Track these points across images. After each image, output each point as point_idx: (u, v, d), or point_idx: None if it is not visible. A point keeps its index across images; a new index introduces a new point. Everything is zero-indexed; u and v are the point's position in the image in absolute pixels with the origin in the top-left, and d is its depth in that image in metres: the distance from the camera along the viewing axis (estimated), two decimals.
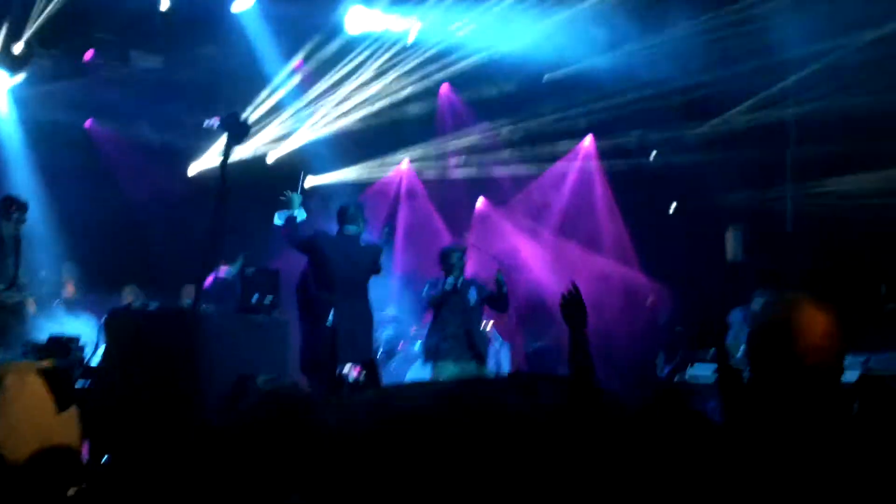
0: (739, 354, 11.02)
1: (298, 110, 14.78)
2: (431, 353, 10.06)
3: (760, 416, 3.05)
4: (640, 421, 3.04)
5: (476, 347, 9.92)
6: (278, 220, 9.00)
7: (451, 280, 9.93)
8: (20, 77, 12.54)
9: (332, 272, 8.86)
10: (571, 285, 4.53)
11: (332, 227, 9.34)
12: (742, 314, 11.20)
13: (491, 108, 14.84)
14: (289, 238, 8.96)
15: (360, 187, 16.28)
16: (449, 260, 10.09)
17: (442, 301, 9.98)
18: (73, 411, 2.55)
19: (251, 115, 13.87)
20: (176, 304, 11.46)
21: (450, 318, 9.96)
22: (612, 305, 14.11)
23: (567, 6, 11.52)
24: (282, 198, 8.93)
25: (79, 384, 8.19)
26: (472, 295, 10.02)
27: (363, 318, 9.09)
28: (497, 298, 10.07)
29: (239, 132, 6.83)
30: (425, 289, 10.19)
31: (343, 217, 9.20)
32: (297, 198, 8.92)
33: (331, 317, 8.62)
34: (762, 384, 3.12)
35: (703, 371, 10.33)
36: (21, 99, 13.14)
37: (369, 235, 9.56)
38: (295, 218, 8.84)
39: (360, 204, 9.61)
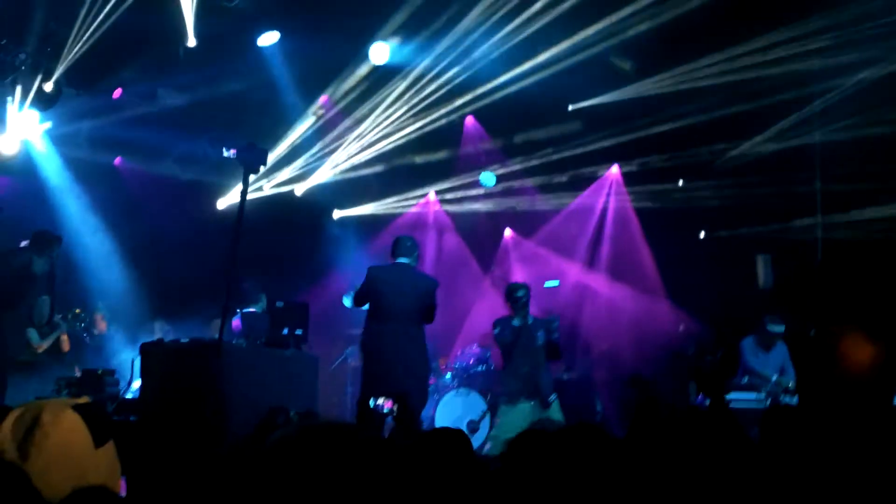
0: (745, 380, 11.12)
1: (325, 145, 14.86)
2: (507, 394, 10.00)
3: (811, 442, 3.03)
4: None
5: (541, 390, 9.88)
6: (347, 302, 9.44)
7: (521, 317, 9.85)
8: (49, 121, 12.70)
9: (386, 302, 8.94)
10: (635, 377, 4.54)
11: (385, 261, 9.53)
12: (753, 340, 11.19)
13: (515, 138, 14.88)
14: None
15: (385, 220, 16.37)
16: (515, 295, 9.95)
17: (514, 342, 9.87)
18: (109, 446, 2.57)
19: (277, 148, 14.00)
20: (207, 338, 11.51)
21: (520, 359, 9.89)
22: (642, 334, 14.10)
23: (591, 38, 11.53)
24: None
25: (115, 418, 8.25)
26: (541, 335, 9.90)
27: (418, 347, 9.11)
28: (555, 345, 9.94)
29: (256, 161, 6.89)
30: (496, 330, 9.99)
31: (396, 248, 9.28)
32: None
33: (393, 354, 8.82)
34: (813, 410, 3.13)
35: (738, 397, 10.33)
36: (51, 137, 13.30)
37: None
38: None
39: (414, 238, 9.66)
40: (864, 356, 2.87)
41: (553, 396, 9.87)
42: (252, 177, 7.64)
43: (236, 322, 11.10)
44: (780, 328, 11.08)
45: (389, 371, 8.76)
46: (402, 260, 9.15)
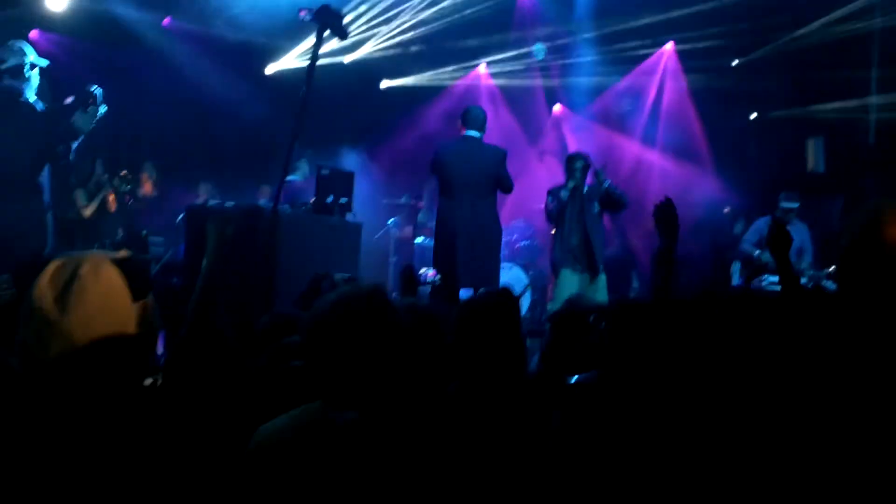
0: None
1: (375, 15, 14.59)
2: (555, 265, 9.97)
3: (850, 328, 2.92)
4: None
5: (594, 259, 9.80)
6: None
7: (570, 186, 9.75)
8: None
9: (455, 176, 8.96)
10: (664, 197, 4.46)
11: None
12: (770, 218, 11.06)
13: (569, 8, 14.54)
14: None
15: (434, 91, 16.20)
16: (572, 165, 9.84)
17: (561, 210, 9.81)
18: (149, 301, 2.54)
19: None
20: (251, 202, 11.54)
21: (571, 228, 9.84)
22: (689, 213, 13.99)
23: None
24: None
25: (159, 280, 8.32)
26: (596, 205, 9.82)
27: (490, 217, 9.12)
28: (608, 199, 9.78)
29: (332, 26, 6.74)
30: (548, 199, 9.94)
31: (465, 120, 9.22)
32: None
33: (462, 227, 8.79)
34: (854, 296, 3.00)
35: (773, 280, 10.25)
36: None
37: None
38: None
39: (482, 108, 9.58)
40: None
41: (601, 274, 9.81)
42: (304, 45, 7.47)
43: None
44: (794, 204, 10.92)
45: (461, 243, 8.84)
46: (471, 133, 9.13)
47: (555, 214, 9.85)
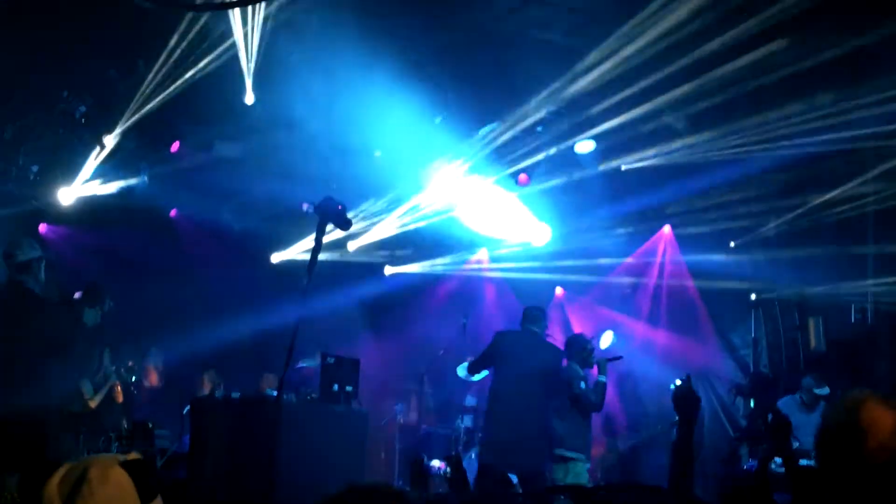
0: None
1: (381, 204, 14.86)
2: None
3: None
4: None
5: (590, 445, 9.77)
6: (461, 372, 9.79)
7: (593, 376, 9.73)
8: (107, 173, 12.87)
9: (512, 364, 9.07)
10: (685, 376, 4.50)
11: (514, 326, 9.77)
12: (792, 400, 11.04)
13: (567, 197, 14.81)
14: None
15: (437, 279, 16.38)
16: (587, 348, 9.83)
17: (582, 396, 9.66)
18: (157, 502, 2.55)
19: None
20: (257, 392, 11.54)
21: (588, 415, 9.80)
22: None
23: (645, 96, 11.44)
24: None
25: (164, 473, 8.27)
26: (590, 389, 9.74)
27: (537, 416, 9.11)
28: (597, 394, 9.65)
29: (334, 218, 6.89)
30: (580, 384, 9.63)
31: (527, 317, 9.37)
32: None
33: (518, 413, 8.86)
34: (832, 482, 3.09)
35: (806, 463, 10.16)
36: (108, 188, 13.46)
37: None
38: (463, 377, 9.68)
39: (542, 307, 9.78)
40: (885, 425, 2.81)
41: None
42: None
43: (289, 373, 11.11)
44: (824, 391, 10.96)
45: (510, 429, 8.86)
46: (532, 327, 9.28)
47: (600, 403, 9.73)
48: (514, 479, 8.61)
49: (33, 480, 2.68)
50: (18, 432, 7.22)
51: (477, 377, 9.78)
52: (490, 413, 9.39)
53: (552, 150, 12.66)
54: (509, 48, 10.55)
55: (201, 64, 10.56)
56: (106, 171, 12.87)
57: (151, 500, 2.52)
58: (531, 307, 9.77)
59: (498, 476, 8.48)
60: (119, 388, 11.60)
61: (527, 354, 9.22)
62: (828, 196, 12.41)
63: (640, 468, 13.43)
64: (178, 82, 10.81)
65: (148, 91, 11.13)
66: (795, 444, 10.79)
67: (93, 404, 11.39)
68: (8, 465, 4.16)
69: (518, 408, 9.11)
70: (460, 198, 13.82)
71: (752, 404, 13.03)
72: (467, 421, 12.94)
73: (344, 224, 7.07)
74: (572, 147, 12.56)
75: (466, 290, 16.17)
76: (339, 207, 6.97)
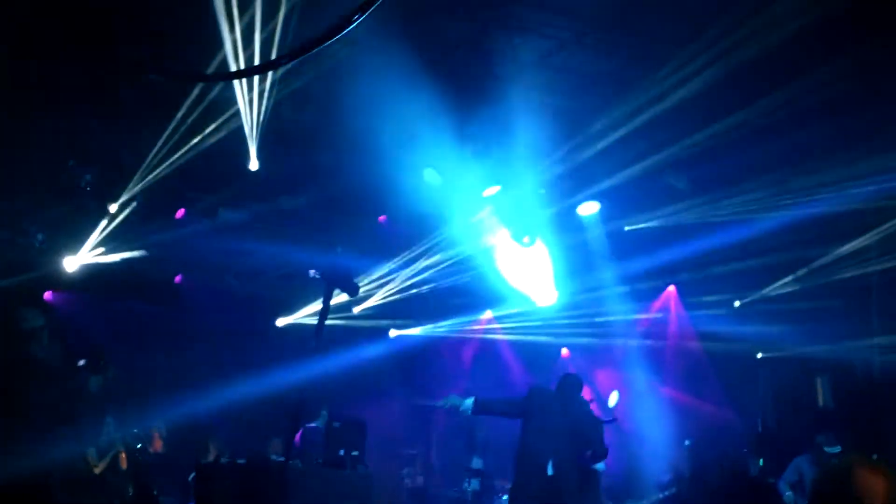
0: None
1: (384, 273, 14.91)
2: None
3: None
4: None
5: None
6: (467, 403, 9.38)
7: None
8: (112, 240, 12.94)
9: (552, 426, 9.05)
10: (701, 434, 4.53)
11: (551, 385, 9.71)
12: (807, 458, 11.04)
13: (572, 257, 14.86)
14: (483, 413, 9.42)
15: (442, 341, 16.38)
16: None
17: None
18: None
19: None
20: (263, 458, 11.49)
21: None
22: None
23: (647, 156, 11.49)
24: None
25: None
26: None
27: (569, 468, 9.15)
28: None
29: (341, 284, 6.92)
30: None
31: (568, 385, 9.48)
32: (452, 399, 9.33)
33: (549, 467, 8.81)
34: None
35: None
36: (114, 255, 13.52)
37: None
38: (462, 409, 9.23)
39: (577, 376, 9.80)
40: (878, 489, 2.88)
41: None
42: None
43: (297, 437, 11.08)
44: (835, 449, 10.95)
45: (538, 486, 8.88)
46: (576, 396, 9.35)
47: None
48: None
49: None
50: (23, 499, 7.22)
51: (478, 414, 9.65)
52: (521, 464, 9.30)
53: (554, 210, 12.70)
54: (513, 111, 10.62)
55: (207, 131, 10.64)
56: (111, 238, 12.93)
57: None
58: (567, 374, 9.84)
59: None
60: (124, 454, 11.57)
61: (563, 415, 9.23)
62: (832, 255, 12.45)
63: None
64: (183, 150, 10.88)
65: (153, 160, 11.20)
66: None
67: (98, 470, 11.37)
68: None
69: (546, 461, 9.10)
70: (488, 253, 13.80)
71: (760, 463, 12.97)
72: (475, 484, 12.88)
73: (352, 290, 7.11)
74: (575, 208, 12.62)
75: (474, 352, 16.18)
76: (346, 273, 7.02)
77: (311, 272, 7.00)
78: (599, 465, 9.87)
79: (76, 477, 10.82)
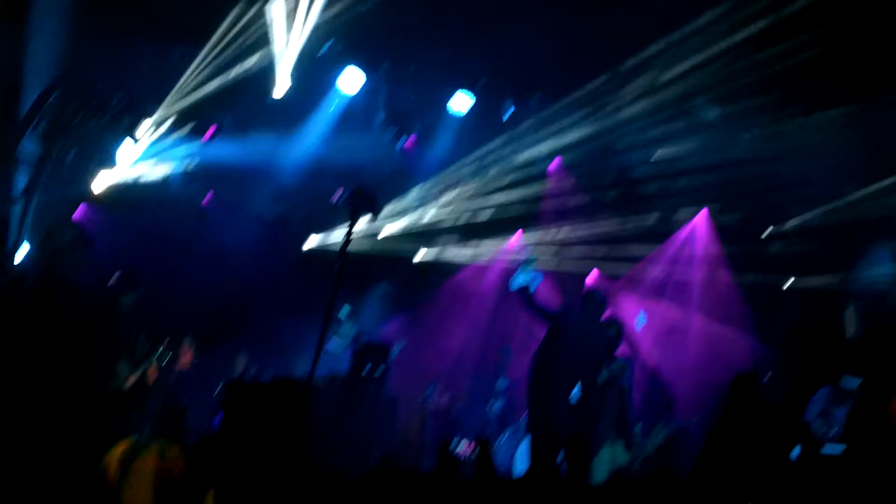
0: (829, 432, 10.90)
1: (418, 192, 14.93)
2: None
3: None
4: None
5: (628, 431, 9.84)
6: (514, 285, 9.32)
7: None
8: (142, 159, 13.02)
9: (577, 349, 9.10)
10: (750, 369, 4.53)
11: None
12: (829, 392, 11.00)
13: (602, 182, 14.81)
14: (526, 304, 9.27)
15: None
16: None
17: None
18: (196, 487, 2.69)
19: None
20: (288, 375, 11.61)
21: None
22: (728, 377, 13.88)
23: (680, 83, 11.39)
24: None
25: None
26: (628, 377, 9.90)
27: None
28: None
29: (367, 205, 6.95)
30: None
31: (589, 301, 9.51)
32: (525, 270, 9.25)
33: (576, 390, 8.95)
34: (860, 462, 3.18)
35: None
36: (143, 174, 13.61)
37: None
38: (527, 288, 9.13)
39: (601, 293, 9.81)
40: None
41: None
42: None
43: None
44: (852, 384, 10.89)
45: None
46: (593, 313, 9.41)
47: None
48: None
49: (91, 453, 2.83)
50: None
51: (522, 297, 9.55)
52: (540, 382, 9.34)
53: None
54: None
55: (243, 57, 10.66)
56: (142, 157, 13.00)
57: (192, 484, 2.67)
58: (593, 291, 9.85)
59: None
60: (153, 369, 11.74)
61: (587, 337, 9.26)
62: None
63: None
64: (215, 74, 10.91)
65: (187, 81, 11.22)
66: (823, 430, 10.83)
67: (128, 384, 11.55)
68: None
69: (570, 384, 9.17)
70: None
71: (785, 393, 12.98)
72: (498, 406, 12.98)
73: (374, 211, 7.15)
74: None
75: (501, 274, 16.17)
76: (370, 195, 7.05)
77: (336, 195, 7.05)
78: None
79: (109, 391, 11.01)
